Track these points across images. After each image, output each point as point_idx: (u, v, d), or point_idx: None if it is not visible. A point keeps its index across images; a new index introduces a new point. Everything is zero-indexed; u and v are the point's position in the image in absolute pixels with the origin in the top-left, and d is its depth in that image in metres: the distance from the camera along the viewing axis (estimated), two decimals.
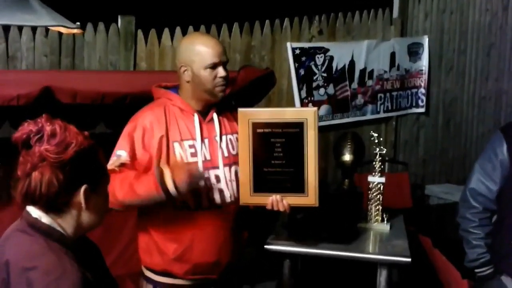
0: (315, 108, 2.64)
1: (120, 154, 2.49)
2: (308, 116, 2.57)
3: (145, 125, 2.52)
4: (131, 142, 2.51)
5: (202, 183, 2.49)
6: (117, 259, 3.56)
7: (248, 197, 2.62)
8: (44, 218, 1.62)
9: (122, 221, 3.60)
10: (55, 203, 1.60)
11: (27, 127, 1.57)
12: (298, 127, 2.57)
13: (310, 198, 2.61)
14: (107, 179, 1.73)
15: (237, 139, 2.66)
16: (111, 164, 2.44)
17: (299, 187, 2.60)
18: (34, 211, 1.62)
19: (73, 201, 1.62)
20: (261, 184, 2.61)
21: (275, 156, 2.61)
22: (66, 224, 1.64)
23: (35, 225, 1.61)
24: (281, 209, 2.60)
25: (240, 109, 2.61)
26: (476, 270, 2.86)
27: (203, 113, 2.62)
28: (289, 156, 2.60)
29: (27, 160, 1.56)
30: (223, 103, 2.66)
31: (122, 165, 2.45)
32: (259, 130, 2.59)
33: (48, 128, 1.57)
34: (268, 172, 2.61)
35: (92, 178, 1.64)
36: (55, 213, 1.62)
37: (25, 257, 1.56)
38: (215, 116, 2.63)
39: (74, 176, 1.59)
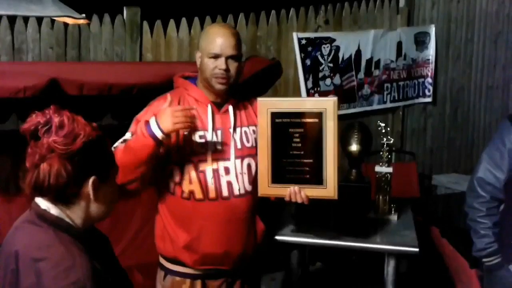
0: (335, 98, 2.55)
1: (127, 135, 2.52)
2: (327, 106, 2.51)
3: (157, 112, 2.52)
4: (137, 124, 2.51)
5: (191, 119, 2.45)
6: (124, 250, 3.58)
7: (267, 188, 2.59)
8: (53, 210, 1.62)
9: (129, 212, 3.62)
10: (63, 194, 1.60)
11: (35, 119, 1.57)
12: (317, 117, 2.52)
13: (329, 190, 2.56)
14: (115, 170, 1.72)
15: (253, 131, 2.66)
16: (116, 143, 2.47)
17: (318, 178, 2.55)
18: (42, 203, 1.63)
19: (82, 192, 1.62)
20: (279, 175, 2.58)
21: (294, 146, 2.56)
22: (74, 215, 1.64)
23: (43, 216, 1.61)
24: (299, 200, 2.57)
25: (259, 99, 2.58)
26: (484, 260, 2.85)
27: (219, 104, 2.62)
28: (308, 147, 2.55)
29: (35, 152, 1.56)
30: (239, 94, 2.65)
31: (125, 141, 2.48)
32: (277, 120, 2.55)
33: (56, 120, 1.57)
34: (286, 163, 2.57)
35: (100, 169, 1.64)
36: (63, 204, 1.63)
37: (34, 248, 1.56)
38: (230, 108, 2.62)
39: (83, 167, 1.59)
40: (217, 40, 2.53)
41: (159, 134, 2.36)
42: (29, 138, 1.58)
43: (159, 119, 2.36)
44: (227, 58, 2.53)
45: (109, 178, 1.68)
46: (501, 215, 2.82)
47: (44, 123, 1.56)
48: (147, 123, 2.38)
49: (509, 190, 2.77)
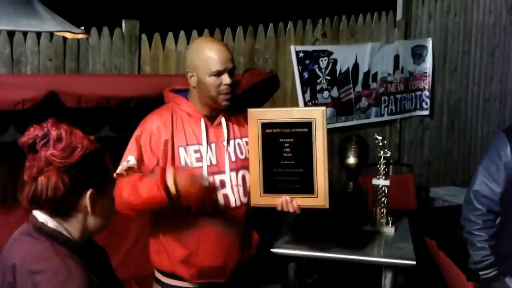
0: (324, 108, 2.58)
1: (129, 159, 2.50)
2: (316, 115, 2.52)
3: (152, 130, 2.53)
4: (138, 147, 2.52)
5: (205, 189, 2.44)
6: (122, 261, 3.58)
7: (259, 198, 2.59)
8: (50, 222, 1.62)
9: (126, 224, 3.61)
10: (61, 207, 1.60)
11: (33, 132, 1.58)
12: (306, 127, 2.53)
13: (320, 199, 2.56)
14: (113, 182, 1.73)
15: (246, 143, 2.65)
16: (120, 169, 2.45)
17: (308, 188, 2.55)
18: (40, 215, 1.63)
19: (79, 205, 1.62)
20: (271, 184, 2.58)
21: (284, 156, 2.57)
22: (72, 228, 1.64)
23: (41, 229, 1.62)
24: (291, 210, 2.56)
25: (249, 110, 2.58)
26: (480, 272, 2.85)
27: (212, 117, 2.61)
28: (298, 157, 2.56)
29: (33, 165, 1.57)
30: (232, 106, 2.64)
31: (130, 169, 2.46)
32: (268, 130, 2.56)
33: (54, 133, 1.57)
34: (277, 172, 2.57)
35: (98, 182, 1.64)
36: (61, 217, 1.63)
37: (31, 260, 1.57)
38: (223, 120, 2.62)
39: (80, 180, 1.59)
40: (215, 56, 2.51)
41: (173, 192, 2.32)
42: (27, 151, 1.58)
43: (178, 179, 2.32)
44: (228, 72, 2.53)
45: (106, 191, 1.68)
46: (498, 228, 2.82)
47: (42, 136, 1.57)
48: (163, 174, 2.33)
49: (505, 203, 2.78)
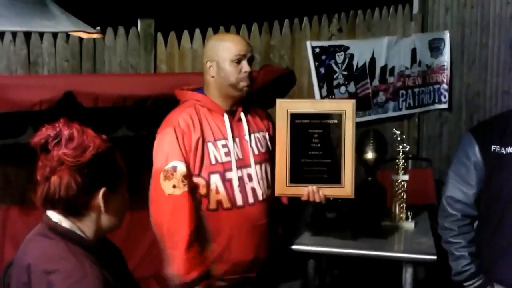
0: (354, 100, 2.67)
1: (176, 165, 2.49)
2: (346, 107, 2.61)
3: (182, 128, 2.53)
4: (179, 149, 2.51)
5: None
6: (141, 260, 3.57)
7: (284, 188, 2.65)
8: (64, 222, 1.63)
9: (145, 221, 3.61)
10: (74, 207, 1.61)
11: (45, 132, 1.59)
12: (336, 118, 2.62)
13: (346, 189, 2.64)
14: (125, 181, 1.73)
15: (263, 137, 2.71)
16: (175, 181, 2.47)
17: (335, 178, 2.63)
18: (54, 215, 1.64)
19: (92, 204, 1.63)
20: (297, 174, 2.64)
21: (313, 147, 2.64)
22: (85, 227, 1.65)
23: (55, 229, 1.62)
24: (317, 200, 2.63)
25: (278, 100, 2.66)
26: (464, 284, 2.71)
27: (231, 112, 2.64)
28: (327, 147, 2.63)
29: (45, 164, 1.58)
30: (247, 101, 2.67)
31: (185, 178, 2.47)
32: (297, 121, 2.63)
33: (65, 132, 1.58)
34: (305, 162, 2.65)
35: (110, 181, 1.65)
36: (74, 217, 1.64)
37: (45, 260, 1.57)
38: (242, 115, 2.66)
39: (92, 179, 1.60)
40: (236, 44, 2.58)
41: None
42: (39, 151, 1.59)
43: None
44: (248, 60, 2.58)
45: (119, 189, 1.69)
46: (477, 233, 2.68)
47: (54, 136, 1.58)
48: None
49: (480, 206, 2.65)
